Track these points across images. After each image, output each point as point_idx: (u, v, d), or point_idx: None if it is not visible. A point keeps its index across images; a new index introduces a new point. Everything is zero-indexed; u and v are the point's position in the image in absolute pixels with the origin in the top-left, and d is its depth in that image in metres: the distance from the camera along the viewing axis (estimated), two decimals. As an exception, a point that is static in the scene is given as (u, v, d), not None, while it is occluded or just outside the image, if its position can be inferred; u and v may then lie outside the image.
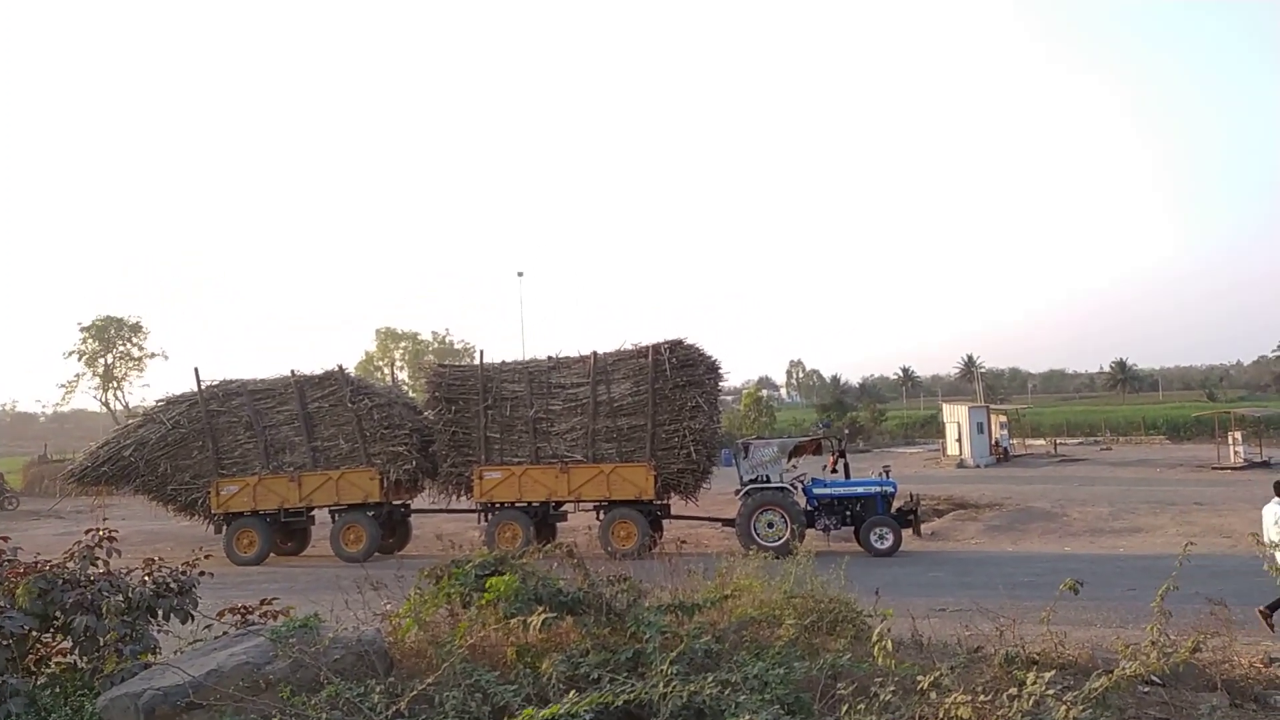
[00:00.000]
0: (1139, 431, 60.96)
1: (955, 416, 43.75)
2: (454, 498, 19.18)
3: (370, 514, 18.96)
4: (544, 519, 18.57)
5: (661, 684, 4.38)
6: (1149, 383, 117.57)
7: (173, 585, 6.44)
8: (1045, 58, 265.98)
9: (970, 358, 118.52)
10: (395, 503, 19.72)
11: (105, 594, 6.06)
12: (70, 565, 6.42)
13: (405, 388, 42.47)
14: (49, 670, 6.43)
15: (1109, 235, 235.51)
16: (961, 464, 40.07)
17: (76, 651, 6.23)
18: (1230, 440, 37.57)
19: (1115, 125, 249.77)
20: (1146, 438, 58.34)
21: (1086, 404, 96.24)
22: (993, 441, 42.25)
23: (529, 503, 18.34)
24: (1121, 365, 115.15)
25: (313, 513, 19.94)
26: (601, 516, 18.17)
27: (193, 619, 6.52)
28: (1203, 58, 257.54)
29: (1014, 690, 3.79)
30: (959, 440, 41.90)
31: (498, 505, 18.49)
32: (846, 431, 48.02)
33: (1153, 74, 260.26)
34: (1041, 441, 54.48)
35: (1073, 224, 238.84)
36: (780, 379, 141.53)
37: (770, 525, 17.16)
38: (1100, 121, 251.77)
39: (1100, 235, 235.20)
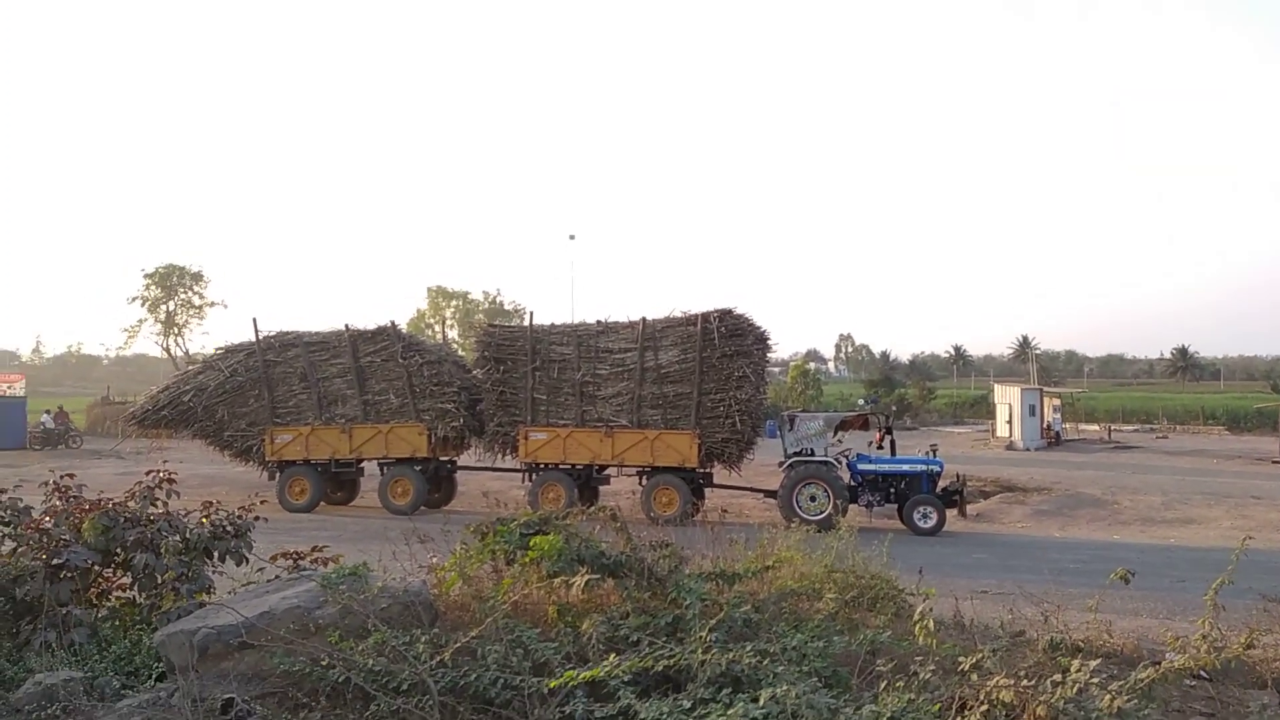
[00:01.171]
0: (1197, 421, 59.31)
1: (1006, 398, 43.00)
2: (499, 457, 19.43)
3: (417, 469, 19.30)
4: (587, 482, 18.72)
5: (700, 651, 4.42)
6: (1210, 371, 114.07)
7: (229, 528, 6.65)
8: (1104, 27, 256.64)
9: (1025, 338, 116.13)
10: (442, 459, 20.04)
11: (164, 534, 6.28)
12: (131, 504, 6.65)
13: (455, 346, 42.96)
14: (109, 603, 6.70)
15: (1175, 217, 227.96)
16: (1010, 446, 39.44)
17: (135, 587, 6.48)
18: (1293, 434, 36.39)
19: (1183, 101, 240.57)
20: (1205, 427, 56.79)
21: (1144, 390, 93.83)
22: (1044, 425, 41.47)
23: (573, 465, 18.51)
24: (1183, 352, 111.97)
25: (362, 464, 20.36)
26: (644, 482, 18.27)
27: (246, 561, 6.73)
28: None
29: (1058, 677, 3.74)
30: (1009, 422, 41.20)
31: (542, 466, 18.69)
32: (894, 408, 47.56)
33: (1224, 48, 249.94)
34: (1095, 427, 53.33)
35: (1137, 204, 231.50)
36: (828, 353, 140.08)
37: (813, 499, 17.11)
38: (1166, 96, 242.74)
39: (1166, 217, 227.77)
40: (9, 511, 6.43)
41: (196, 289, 60.89)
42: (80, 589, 6.23)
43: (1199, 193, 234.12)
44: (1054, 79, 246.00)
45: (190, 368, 23.40)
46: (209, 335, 63.85)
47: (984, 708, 3.64)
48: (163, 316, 60.40)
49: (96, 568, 6.44)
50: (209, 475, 22.90)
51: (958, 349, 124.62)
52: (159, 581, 6.25)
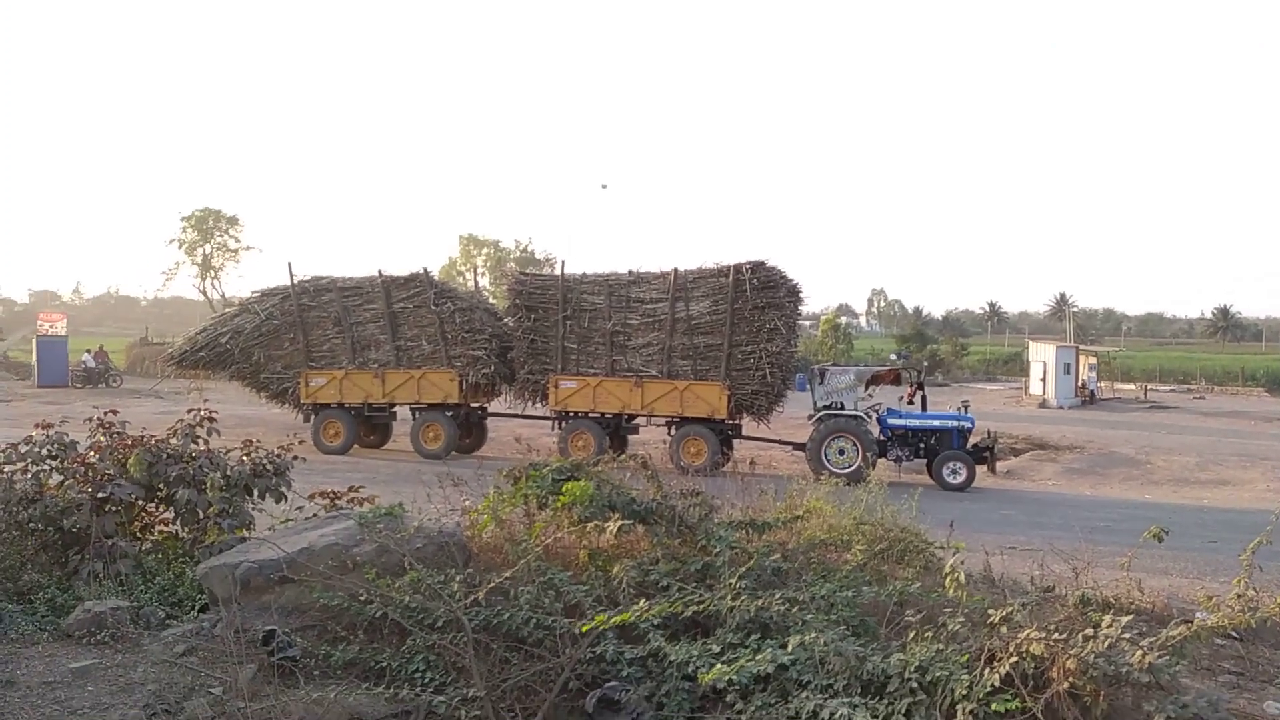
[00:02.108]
0: (1236, 382, 58.23)
1: (1041, 355, 42.45)
2: (529, 404, 19.57)
3: (449, 414, 19.51)
4: (616, 430, 18.83)
5: (729, 597, 4.47)
6: (1252, 332, 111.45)
7: (268, 466, 6.78)
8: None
9: (1063, 295, 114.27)
10: (473, 405, 20.23)
11: (206, 470, 6.42)
12: (173, 441, 6.80)
13: (486, 294, 43.10)
14: (153, 537, 6.89)
15: (1216, 169, 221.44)
16: (1044, 404, 39.04)
17: (178, 522, 6.66)
18: (1336, 398, 35.68)
19: (1221, 49, 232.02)
20: (1244, 389, 55.75)
21: (1183, 350, 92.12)
22: (1079, 383, 40.96)
23: (602, 414, 18.60)
24: (1224, 312, 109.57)
25: (395, 409, 20.61)
26: (673, 432, 18.35)
27: (285, 499, 6.87)
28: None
29: (1089, 631, 3.74)
30: (1042, 380, 40.73)
31: (572, 414, 18.81)
32: (925, 364, 47.17)
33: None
34: (1131, 386, 52.59)
35: (1177, 156, 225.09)
36: (861, 307, 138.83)
37: (841, 452, 17.10)
38: (1206, 45, 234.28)
39: (1207, 169, 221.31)
40: (55, 446, 6.60)
41: (232, 233, 61.46)
42: (125, 522, 6.41)
43: (1245, 147, 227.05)
44: (1092, 29, 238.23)
45: (227, 310, 23.69)
46: (244, 279, 64.63)
47: (1013, 659, 3.65)
48: (199, 259, 61.08)
49: (140, 502, 6.61)
50: (245, 416, 23.29)
51: (992, 305, 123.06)
52: (201, 516, 6.41)
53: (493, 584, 4.70)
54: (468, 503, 6.72)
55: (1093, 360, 46.13)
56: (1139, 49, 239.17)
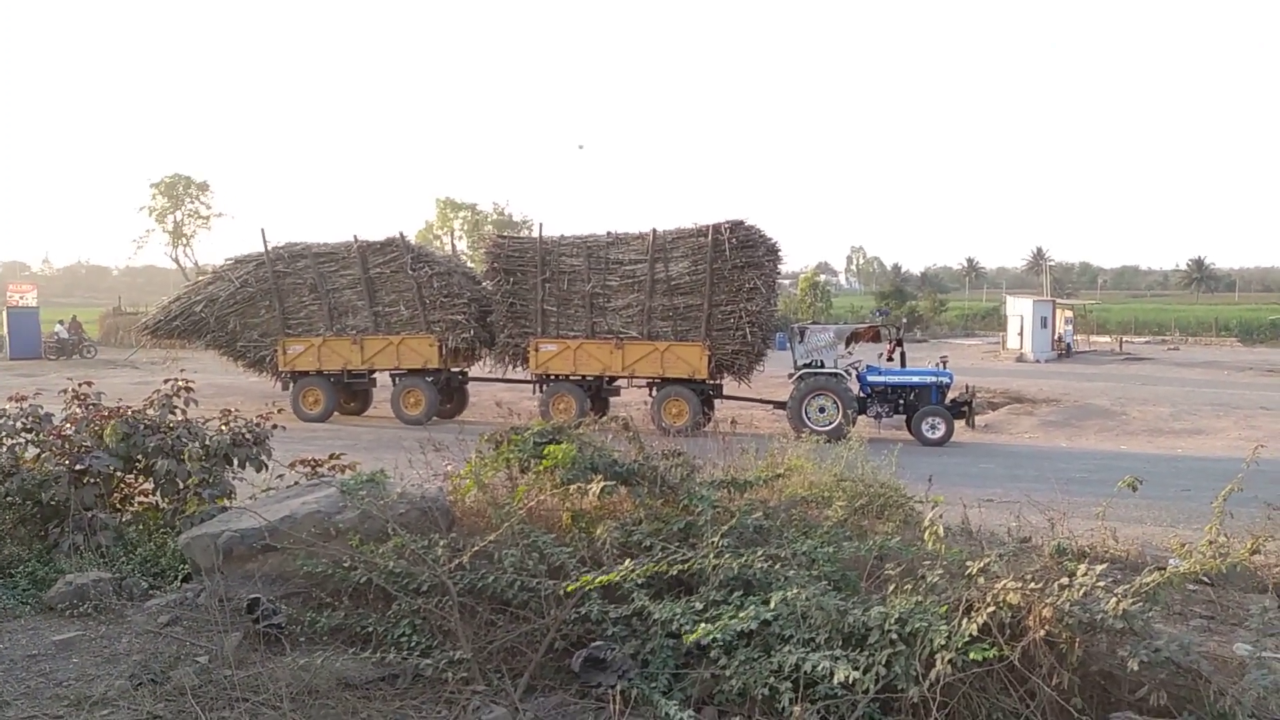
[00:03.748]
0: (1210, 333, 59.05)
1: (1018, 310, 42.79)
2: (510, 368, 19.52)
3: (429, 379, 19.44)
4: (597, 393, 18.85)
5: (712, 555, 4.51)
6: (1226, 283, 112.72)
7: (248, 435, 6.74)
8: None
9: (1039, 250, 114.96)
10: (453, 370, 20.16)
11: (184, 440, 6.38)
12: (151, 412, 6.74)
13: (464, 258, 42.77)
14: (133, 508, 6.86)
15: (1191, 123, 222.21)
16: (1021, 358, 39.43)
17: (158, 493, 6.63)
18: (1306, 346, 36.28)
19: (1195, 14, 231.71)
20: (1218, 339, 56.55)
21: (1158, 302, 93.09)
22: (1055, 337, 41.36)
23: (583, 376, 18.60)
24: (1199, 264, 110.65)
25: (374, 375, 20.51)
26: (654, 393, 18.39)
27: (266, 468, 6.85)
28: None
29: (1064, 580, 3.81)
30: (1020, 334, 41.10)
31: (553, 377, 18.79)
32: (904, 320, 47.43)
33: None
34: (1107, 338, 53.20)
35: (1151, 106, 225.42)
36: (840, 265, 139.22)
37: (822, 410, 17.22)
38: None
39: (1182, 123, 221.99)
40: (31, 419, 6.53)
41: (203, 199, 60.59)
42: (104, 494, 6.37)
43: (1219, 98, 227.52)
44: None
45: (200, 278, 23.38)
46: (217, 246, 63.88)
47: (990, 609, 3.71)
48: (170, 227, 60.20)
49: (119, 474, 6.57)
50: (223, 385, 23.15)
51: (971, 261, 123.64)
52: (181, 487, 6.38)
53: (477, 548, 4.72)
54: (450, 468, 6.72)
55: (1069, 314, 46.55)
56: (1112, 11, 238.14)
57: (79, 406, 6.76)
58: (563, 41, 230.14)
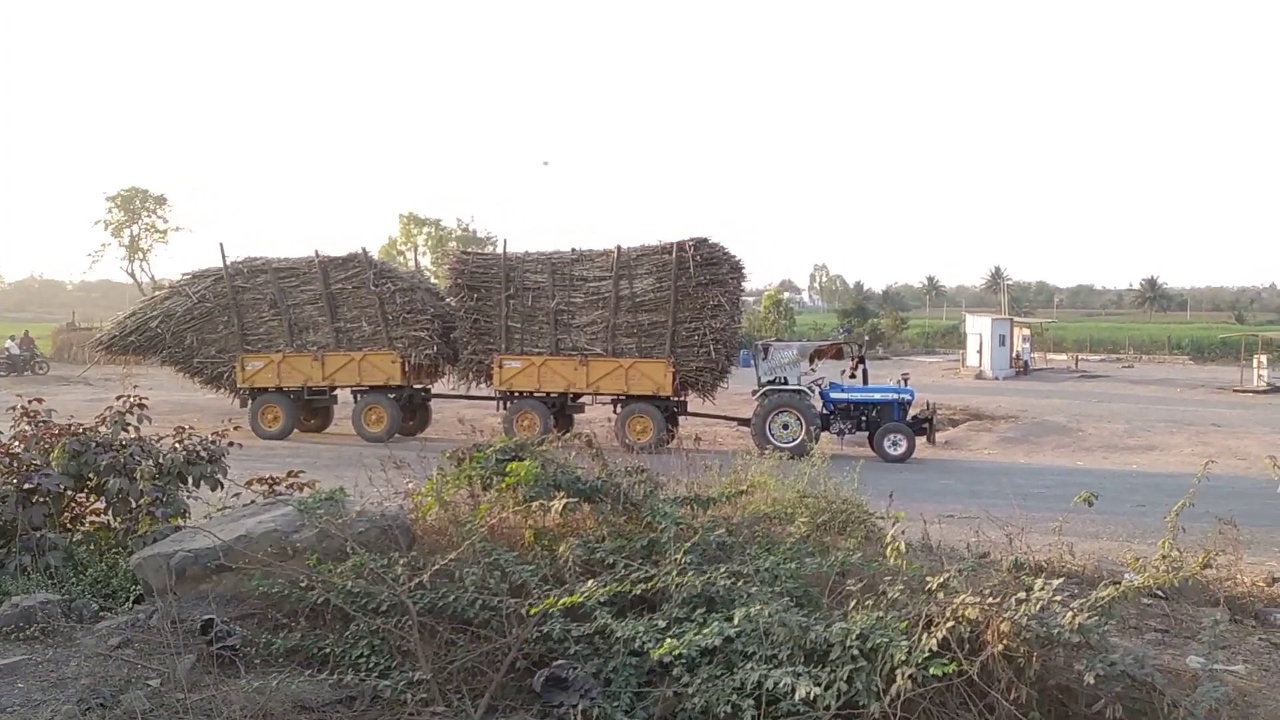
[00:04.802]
0: (1163, 351, 60.38)
1: (977, 328, 43.45)
2: (474, 384, 19.41)
3: (391, 396, 19.26)
4: (561, 410, 18.80)
5: (675, 573, 4.49)
6: (1178, 302, 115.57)
7: (203, 454, 6.61)
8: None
9: (997, 269, 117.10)
10: (416, 386, 19.99)
11: (137, 458, 6.24)
12: (103, 429, 6.60)
13: (428, 274, 42.51)
14: (84, 528, 6.69)
15: (1145, 142, 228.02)
16: (980, 375, 40.00)
17: (110, 512, 6.47)
18: (1255, 364, 37.22)
19: (1155, 23, 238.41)
20: (1170, 357, 57.82)
21: (1113, 321, 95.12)
22: (1013, 354, 42.04)
23: (547, 393, 18.54)
24: (1152, 283, 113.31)
25: (335, 392, 20.27)
26: (619, 410, 18.38)
27: (222, 487, 6.72)
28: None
29: (1022, 595, 3.85)
30: (979, 351, 41.72)
31: (517, 394, 18.71)
32: (866, 338, 47.90)
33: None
34: (1063, 356, 54.16)
35: (1107, 129, 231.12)
36: (803, 282, 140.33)
37: (785, 427, 17.32)
38: (1139, 20, 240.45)
39: (1136, 142, 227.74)
40: (-23, 437, 6.36)
41: (160, 213, 59.50)
42: (53, 514, 6.20)
43: (1172, 122, 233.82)
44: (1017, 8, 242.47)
45: (157, 294, 23.01)
46: (174, 261, 62.87)
47: (950, 624, 3.74)
48: (126, 241, 59.08)
49: (69, 492, 6.41)
50: (180, 402, 22.71)
51: (931, 280, 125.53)
52: (133, 506, 6.23)
53: (437, 566, 4.66)
54: (411, 485, 6.65)
55: (1026, 332, 47.41)
56: (1061, 30, 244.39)
57: (28, 424, 6.59)
58: (528, 57, 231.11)
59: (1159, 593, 6.10)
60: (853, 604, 4.23)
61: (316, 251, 19.47)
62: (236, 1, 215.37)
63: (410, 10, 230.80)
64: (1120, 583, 4.16)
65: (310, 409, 20.39)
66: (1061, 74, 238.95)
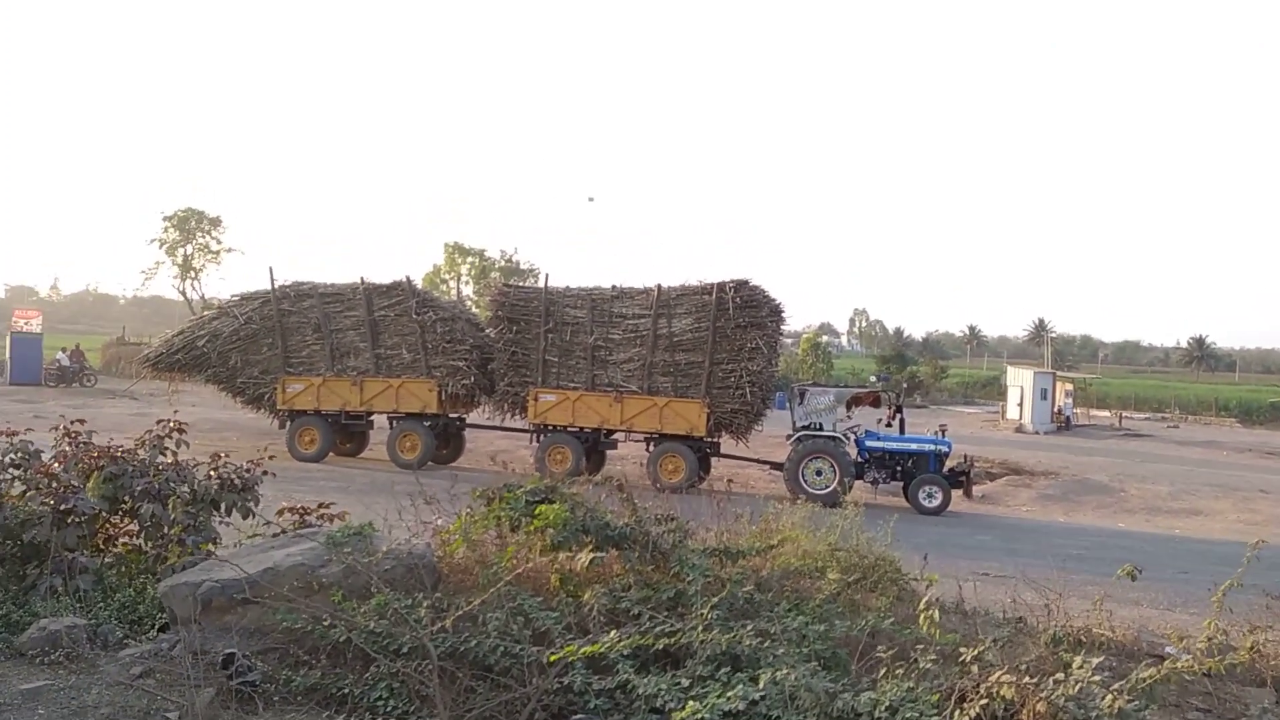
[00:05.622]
0: (1210, 412, 58.95)
1: (1019, 380, 42.80)
2: (508, 416, 19.44)
3: (426, 424, 19.34)
4: (594, 445, 18.74)
5: (701, 628, 4.41)
6: (1226, 363, 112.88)
7: (236, 481, 6.66)
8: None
9: (1041, 321, 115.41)
10: (451, 415, 20.09)
11: (172, 485, 6.29)
12: (141, 453, 6.66)
13: (470, 304, 42.93)
14: (115, 550, 6.74)
15: (1196, 199, 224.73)
16: (1020, 429, 39.32)
17: (142, 536, 6.52)
18: (1307, 429, 36.18)
19: (1208, 77, 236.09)
20: (1217, 419, 56.44)
21: (1158, 379, 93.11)
22: (1055, 409, 41.28)
23: (581, 428, 18.52)
24: (1200, 342, 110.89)
25: (372, 417, 20.44)
26: (651, 448, 18.29)
27: (253, 515, 6.75)
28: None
29: (1060, 675, 3.72)
30: (1020, 404, 41.05)
31: (550, 428, 18.71)
32: (905, 386, 47.38)
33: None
34: (1106, 413, 53.10)
35: (1157, 185, 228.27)
36: (842, 326, 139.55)
37: (819, 473, 17.09)
38: (1196, 74, 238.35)
39: (1187, 200, 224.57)
40: (19, 454, 6.45)
41: (214, 234, 60.89)
42: (86, 535, 6.26)
43: (1224, 180, 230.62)
44: (1074, 56, 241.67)
45: (206, 313, 23.45)
46: (225, 281, 64.09)
47: (984, 701, 3.62)
48: (180, 260, 60.47)
49: (103, 514, 6.47)
50: (221, 420, 23.06)
51: (972, 329, 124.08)
52: (165, 532, 6.28)
53: (461, 610, 4.62)
54: (440, 521, 6.63)
55: (1069, 386, 46.57)
56: (1114, 72, 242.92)
57: (69, 444, 6.69)
58: (578, 95, 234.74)
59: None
60: (882, 672, 4.12)
61: (362, 278, 19.75)
62: (297, 34, 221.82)
63: (466, 47, 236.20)
64: (1162, 660, 4.00)
65: (347, 433, 20.55)
66: (1112, 131, 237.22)
